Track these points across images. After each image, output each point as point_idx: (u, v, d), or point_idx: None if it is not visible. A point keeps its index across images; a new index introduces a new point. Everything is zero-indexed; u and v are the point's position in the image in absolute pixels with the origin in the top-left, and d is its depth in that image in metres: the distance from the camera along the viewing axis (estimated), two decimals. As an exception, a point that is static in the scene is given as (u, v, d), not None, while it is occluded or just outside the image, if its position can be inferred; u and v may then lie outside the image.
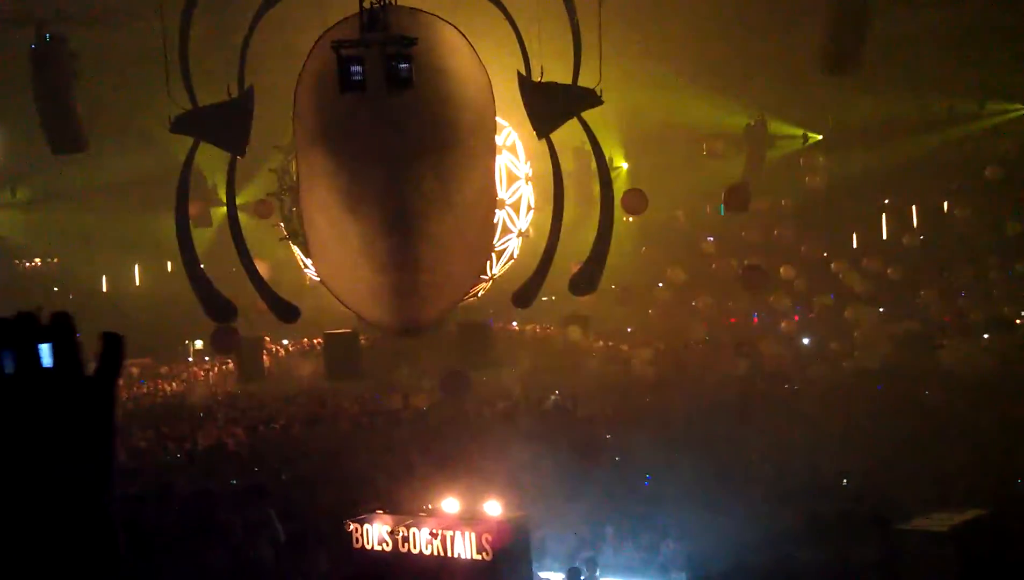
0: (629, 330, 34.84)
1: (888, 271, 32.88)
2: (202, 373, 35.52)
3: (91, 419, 2.28)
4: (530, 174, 23.31)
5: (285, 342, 36.78)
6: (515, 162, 22.99)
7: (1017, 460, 15.05)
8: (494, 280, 27.49)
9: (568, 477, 15.19)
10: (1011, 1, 27.57)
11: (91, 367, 2.28)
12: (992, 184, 31.98)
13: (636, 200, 24.72)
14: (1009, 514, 12.37)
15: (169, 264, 36.04)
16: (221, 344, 24.79)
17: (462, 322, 30.71)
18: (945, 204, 35.23)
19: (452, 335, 30.99)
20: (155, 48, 19.16)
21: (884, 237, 36.66)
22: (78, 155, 26.56)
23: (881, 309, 32.45)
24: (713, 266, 36.23)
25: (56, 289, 37.97)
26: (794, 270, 33.19)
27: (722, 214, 35.64)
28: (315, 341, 34.89)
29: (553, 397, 24.09)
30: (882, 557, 11.17)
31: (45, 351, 2.25)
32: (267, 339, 35.12)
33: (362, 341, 32.08)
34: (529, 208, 23.33)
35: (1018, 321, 29.49)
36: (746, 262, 30.84)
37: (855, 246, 37.07)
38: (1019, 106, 32.87)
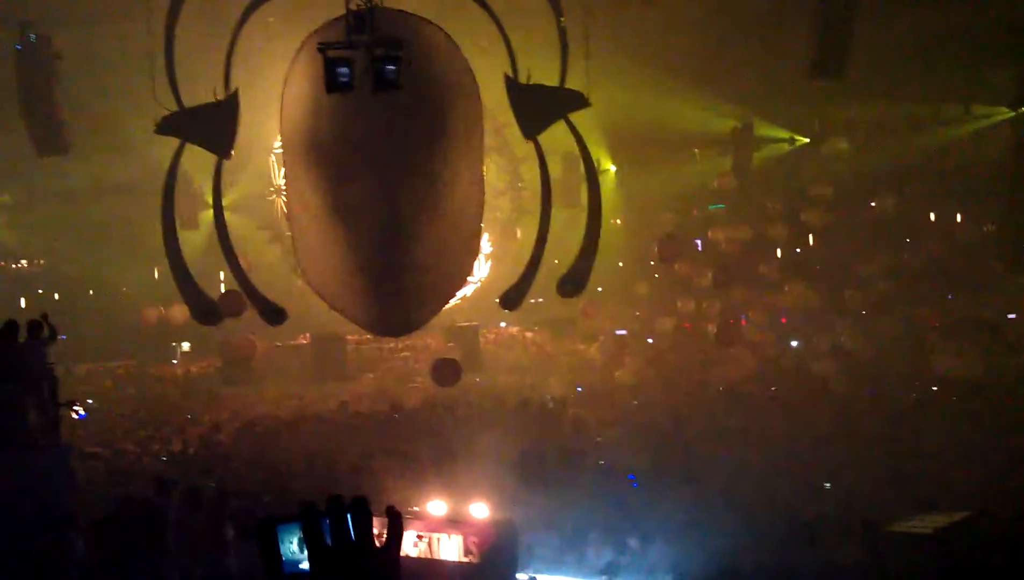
0: (619, 332, 34.85)
1: (875, 274, 33.01)
2: (188, 374, 35.43)
3: None
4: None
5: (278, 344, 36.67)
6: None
7: (1002, 463, 15.09)
8: (481, 282, 27.51)
9: (554, 480, 15.21)
10: (997, 5, 27.66)
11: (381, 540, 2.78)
12: (979, 187, 32.14)
13: (672, 247, 24.69)
14: (993, 517, 12.40)
15: (156, 271, 35.99)
16: (229, 307, 24.52)
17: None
18: (932, 207, 35.28)
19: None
20: (141, 49, 19.11)
21: (871, 240, 36.72)
22: (63, 156, 26.48)
23: (864, 312, 32.57)
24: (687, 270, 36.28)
25: (40, 290, 37.85)
26: (779, 273, 33.31)
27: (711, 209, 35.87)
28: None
29: (549, 399, 24.10)
30: (867, 559, 11.20)
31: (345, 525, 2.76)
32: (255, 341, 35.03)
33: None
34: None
35: (1009, 318, 29.58)
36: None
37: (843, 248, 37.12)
38: (1004, 109, 32.97)
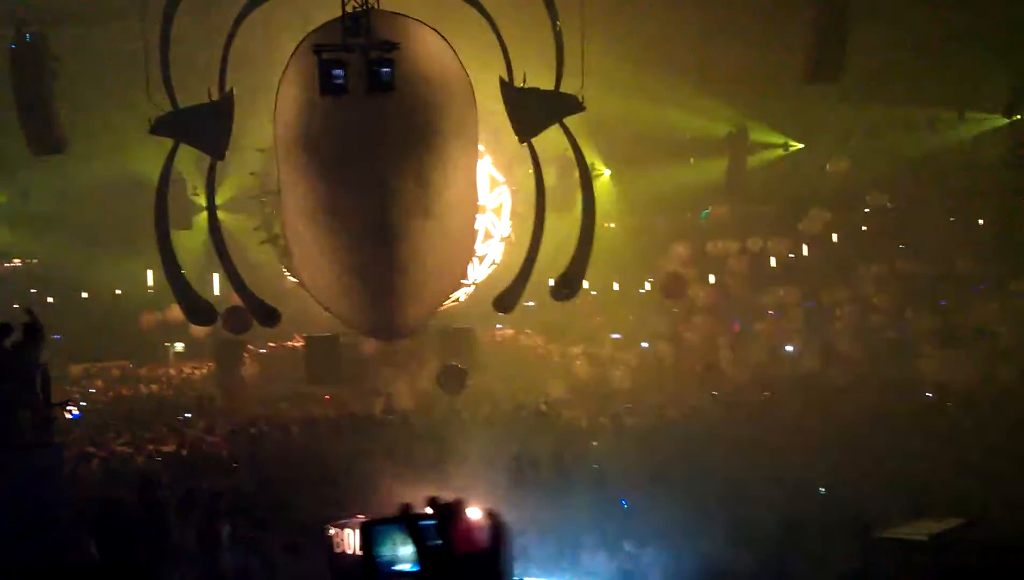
0: (614, 336, 34.88)
1: (867, 278, 33.09)
2: (181, 375, 35.37)
3: None
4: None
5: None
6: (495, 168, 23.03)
7: (996, 470, 15.10)
8: (476, 285, 27.51)
9: (547, 483, 15.19)
10: (992, 11, 27.72)
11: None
12: (973, 192, 32.25)
13: (676, 285, 24.77)
14: (988, 524, 12.42)
15: (150, 274, 35.96)
16: (233, 324, 24.55)
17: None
18: (925, 213, 35.31)
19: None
20: (136, 50, 19.09)
21: (865, 245, 36.79)
22: (58, 156, 26.42)
23: (857, 317, 32.61)
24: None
25: (34, 290, 37.72)
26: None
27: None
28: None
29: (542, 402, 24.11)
30: (861, 565, 11.20)
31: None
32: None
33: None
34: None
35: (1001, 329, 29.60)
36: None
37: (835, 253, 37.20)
38: (999, 116, 33.05)
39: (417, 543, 2.35)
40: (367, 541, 2.37)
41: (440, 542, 2.34)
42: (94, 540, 12.56)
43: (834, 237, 36.44)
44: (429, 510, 2.38)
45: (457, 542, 2.36)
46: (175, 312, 26.61)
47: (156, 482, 14.69)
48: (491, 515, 2.37)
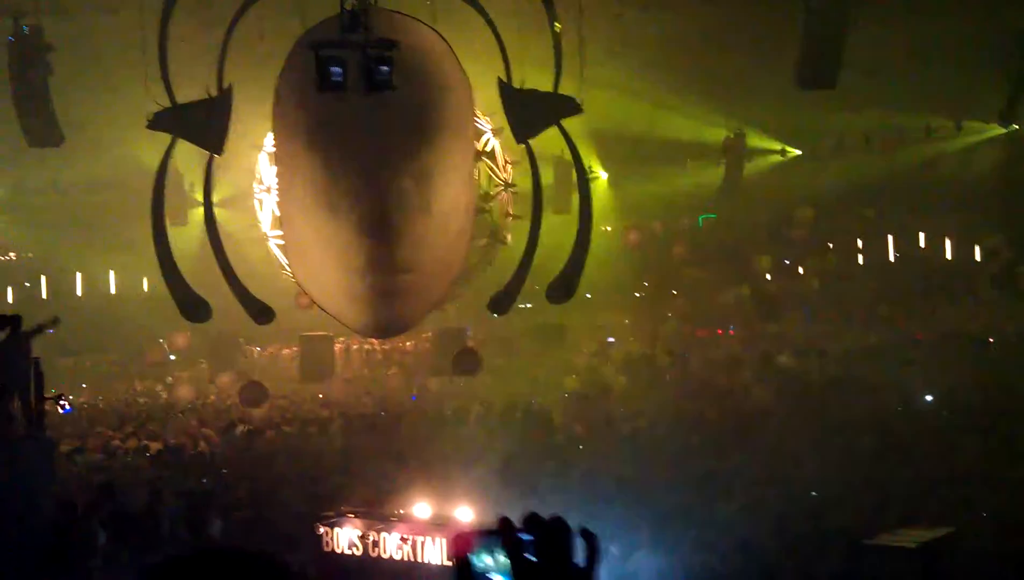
0: (609, 340, 34.90)
1: (863, 286, 33.14)
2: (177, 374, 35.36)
3: None
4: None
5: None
6: (494, 169, 22.98)
7: (987, 478, 15.11)
8: (471, 286, 27.51)
9: (540, 484, 15.17)
10: (988, 21, 27.74)
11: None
12: (968, 202, 32.29)
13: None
14: (977, 532, 12.42)
15: (145, 280, 35.99)
16: (251, 399, 25.13)
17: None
18: (920, 222, 35.38)
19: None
20: (135, 44, 19.06)
21: (860, 252, 36.86)
22: (55, 149, 26.33)
23: (849, 324, 32.66)
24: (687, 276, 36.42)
25: (28, 284, 37.69)
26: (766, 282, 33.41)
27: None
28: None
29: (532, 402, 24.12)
30: (850, 572, 11.20)
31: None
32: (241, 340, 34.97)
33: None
34: (508, 214, 23.29)
35: (991, 339, 29.62)
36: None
37: (830, 261, 37.27)
38: (995, 126, 33.07)
39: (513, 557, 2.40)
40: (464, 549, 2.42)
41: (535, 559, 2.38)
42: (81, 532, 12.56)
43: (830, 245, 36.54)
44: (532, 525, 2.43)
45: (551, 558, 2.42)
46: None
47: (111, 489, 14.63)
48: (586, 533, 2.42)
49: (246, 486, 16.30)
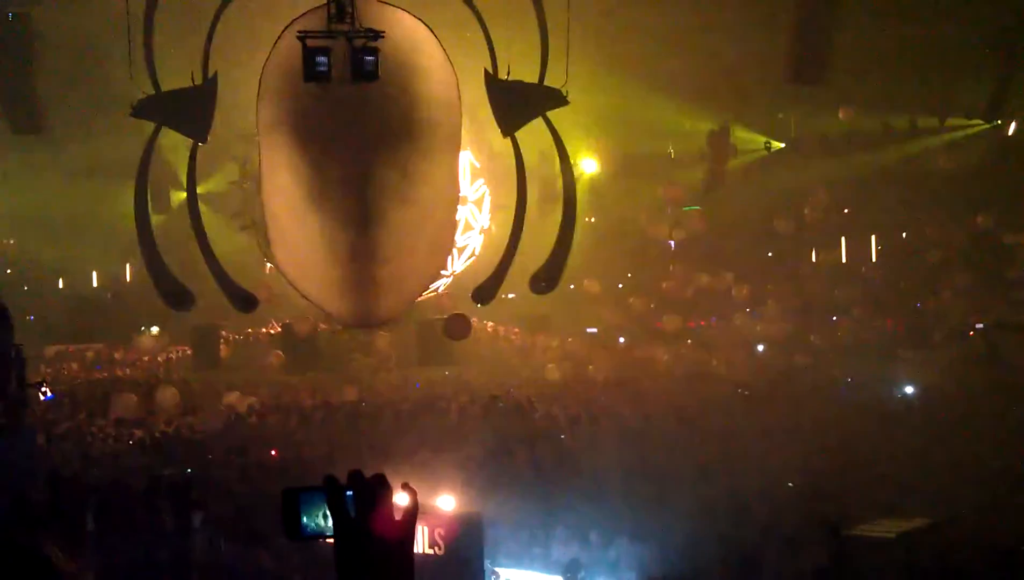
0: (591, 330, 35.00)
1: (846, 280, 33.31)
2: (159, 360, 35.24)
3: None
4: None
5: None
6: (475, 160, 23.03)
7: (967, 469, 15.24)
8: (455, 276, 27.54)
9: (520, 474, 15.24)
10: (973, 17, 27.89)
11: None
12: (951, 196, 32.50)
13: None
14: (957, 523, 12.53)
15: (128, 268, 35.84)
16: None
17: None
18: (903, 215, 35.54)
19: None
20: (119, 31, 18.99)
21: (843, 248, 37.02)
22: (37, 136, 26.27)
23: (835, 318, 32.85)
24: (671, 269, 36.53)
25: (9, 271, 37.51)
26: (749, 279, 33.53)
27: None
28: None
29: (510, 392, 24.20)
30: (830, 563, 11.28)
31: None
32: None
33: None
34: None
35: (972, 333, 29.84)
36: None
37: (814, 257, 37.45)
38: (979, 121, 33.25)
39: (335, 513, 2.34)
40: (291, 506, 2.37)
41: (359, 514, 2.34)
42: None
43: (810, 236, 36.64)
44: (354, 481, 2.37)
45: (372, 521, 2.35)
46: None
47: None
48: (407, 488, 2.34)
49: (229, 474, 16.32)
